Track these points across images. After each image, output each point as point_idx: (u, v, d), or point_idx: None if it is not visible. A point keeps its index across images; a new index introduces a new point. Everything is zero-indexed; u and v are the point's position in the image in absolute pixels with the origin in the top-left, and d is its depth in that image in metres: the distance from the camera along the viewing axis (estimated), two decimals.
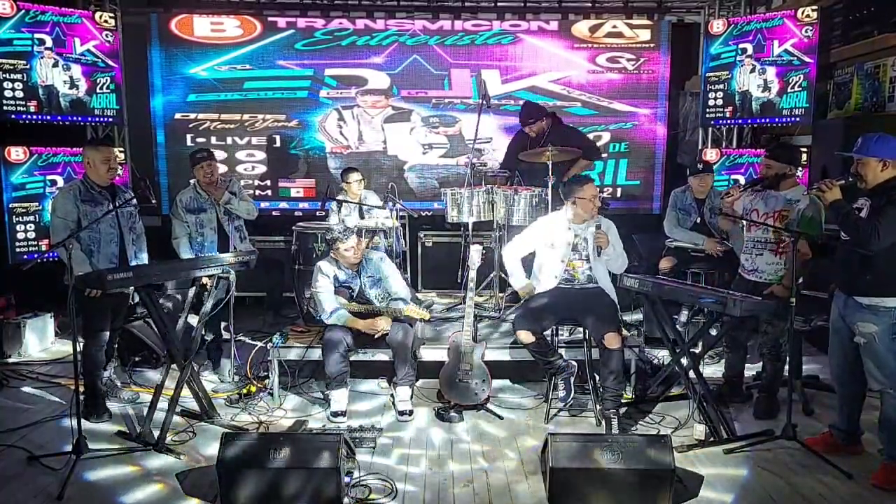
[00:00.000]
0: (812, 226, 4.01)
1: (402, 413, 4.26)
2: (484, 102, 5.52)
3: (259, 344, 4.81)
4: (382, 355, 4.44)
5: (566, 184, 4.48)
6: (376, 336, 4.29)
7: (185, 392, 4.06)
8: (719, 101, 6.88)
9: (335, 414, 4.22)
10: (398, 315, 4.38)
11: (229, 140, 7.21)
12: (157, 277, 4.34)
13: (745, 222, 4.34)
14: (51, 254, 4.90)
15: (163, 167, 7.19)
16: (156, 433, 3.81)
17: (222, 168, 7.07)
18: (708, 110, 6.95)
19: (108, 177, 4.26)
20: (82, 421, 3.66)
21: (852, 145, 3.56)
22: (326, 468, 3.18)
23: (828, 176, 5.68)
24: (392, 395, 4.51)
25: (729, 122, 6.95)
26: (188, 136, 7.16)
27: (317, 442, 3.29)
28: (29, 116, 6.07)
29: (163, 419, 3.85)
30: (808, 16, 6.34)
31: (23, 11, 5.94)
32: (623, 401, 4.21)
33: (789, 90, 6.51)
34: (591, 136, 7.21)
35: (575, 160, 5.53)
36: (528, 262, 4.54)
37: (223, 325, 4.88)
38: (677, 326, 4.51)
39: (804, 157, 6.31)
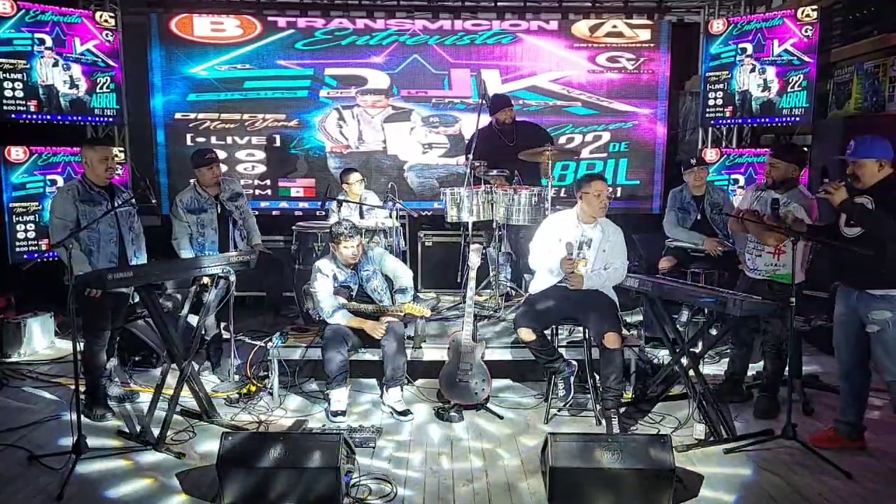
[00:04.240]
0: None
1: (402, 413, 4.26)
2: (484, 102, 5.52)
3: (259, 344, 4.82)
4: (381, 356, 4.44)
5: (577, 180, 4.45)
6: (379, 336, 4.30)
7: (185, 392, 4.06)
8: (719, 101, 6.89)
9: (335, 414, 4.21)
10: (398, 314, 4.38)
11: (229, 140, 7.21)
12: (157, 277, 4.34)
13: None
14: (51, 253, 4.91)
15: (163, 167, 7.19)
16: (156, 432, 3.81)
17: (223, 168, 7.10)
18: (708, 110, 6.96)
19: (106, 176, 4.24)
20: (83, 420, 3.66)
21: (846, 148, 3.60)
22: (326, 468, 3.18)
23: (828, 176, 5.71)
24: (382, 401, 4.47)
25: (729, 121, 6.96)
26: (188, 136, 7.16)
27: (316, 442, 3.29)
28: (29, 116, 6.07)
29: (163, 419, 3.86)
30: (807, 16, 6.35)
31: (23, 11, 5.94)
32: (623, 400, 4.21)
33: (789, 90, 6.52)
34: (590, 135, 7.25)
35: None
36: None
37: (223, 324, 4.87)
38: (677, 326, 4.50)
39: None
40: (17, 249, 6.01)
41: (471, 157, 5.35)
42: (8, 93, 5.91)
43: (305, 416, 4.30)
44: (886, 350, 3.53)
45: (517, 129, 5.77)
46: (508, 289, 5.67)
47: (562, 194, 6.90)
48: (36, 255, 5.95)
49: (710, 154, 6.91)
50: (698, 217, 5.35)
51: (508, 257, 5.78)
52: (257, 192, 7.26)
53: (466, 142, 5.93)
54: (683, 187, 5.45)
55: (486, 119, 5.72)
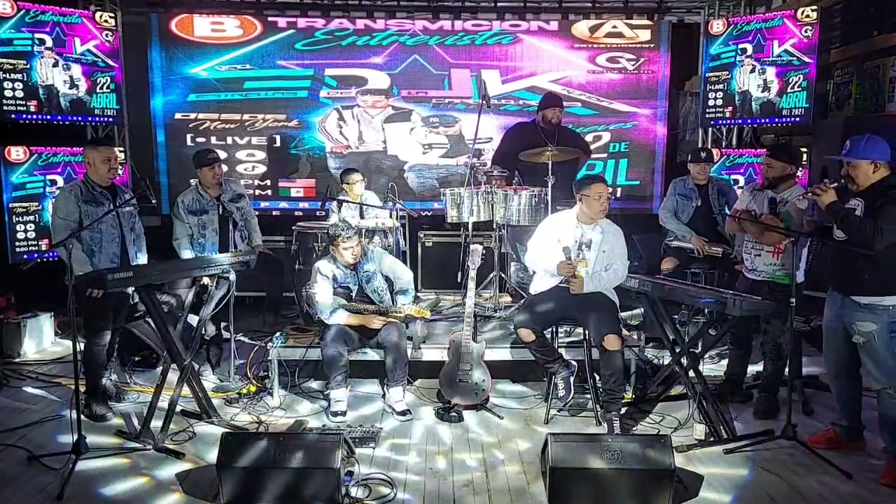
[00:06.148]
0: (787, 220, 4.03)
1: (402, 413, 4.26)
2: (484, 102, 5.51)
3: (259, 344, 4.81)
4: (381, 356, 4.44)
5: (578, 182, 4.45)
6: (378, 326, 4.30)
7: (185, 392, 4.06)
8: (719, 101, 6.89)
9: (335, 414, 4.22)
10: (399, 315, 4.38)
11: (229, 140, 7.21)
12: (157, 277, 4.34)
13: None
14: (51, 253, 4.91)
15: (163, 167, 7.19)
16: (156, 432, 3.81)
17: (224, 168, 7.10)
18: (708, 110, 6.96)
19: (108, 176, 4.26)
20: (83, 420, 3.66)
21: (841, 148, 3.57)
22: (326, 468, 3.18)
23: (828, 176, 5.71)
24: (384, 398, 4.48)
25: (729, 122, 6.96)
26: (188, 136, 7.16)
27: (316, 442, 3.29)
28: (29, 116, 6.07)
29: (163, 419, 3.86)
30: (807, 16, 6.35)
31: (23, 11, 5.94)
32: (623, 401, 4.20)
33: (789, 90, 6.52)
34: (590, 136, 7.26)
35: (577, 159, 5.63)
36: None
37: (223, 324, 4.87)
38: (677, 326, 4.50)
39: (804, 157, 6.32)
40: (17, 249, 6.01)
41: (474, 161, 5.35)
42: (8, 93, 5.91)
43: (305, 417, 4.30)
44: (873, 361, 3.51)
45: (559, 132, 5.75)
46: (517, 284, 5.64)
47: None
48: (36, 255, 5.95)
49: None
50: (698, 203, 5.37)
51: (509, 258, 5.77)
52: (258, 192, 7.26)
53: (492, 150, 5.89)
54: (687, 178, 5.49)
55: (489, 119, 5.72)
